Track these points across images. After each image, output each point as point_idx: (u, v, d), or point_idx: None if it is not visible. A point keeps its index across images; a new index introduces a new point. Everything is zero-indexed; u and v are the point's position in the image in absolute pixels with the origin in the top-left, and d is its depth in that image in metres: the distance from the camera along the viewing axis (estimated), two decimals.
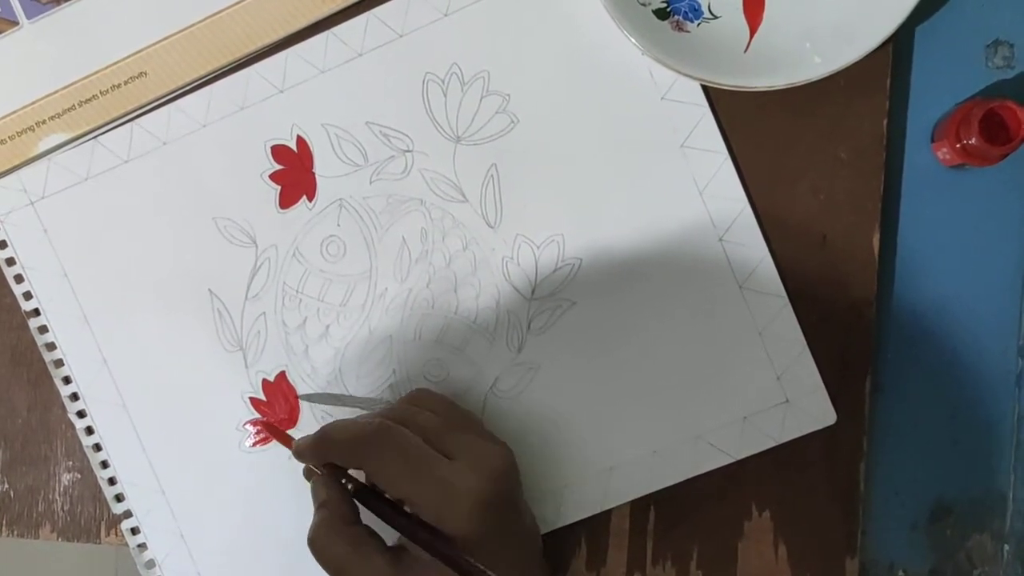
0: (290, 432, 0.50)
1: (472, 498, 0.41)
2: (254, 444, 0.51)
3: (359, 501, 0.44)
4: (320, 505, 0.44)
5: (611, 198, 0.49)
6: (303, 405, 0.50)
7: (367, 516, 0.44)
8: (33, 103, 0.50)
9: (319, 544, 0.43)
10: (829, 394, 0.49)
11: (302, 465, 0.48)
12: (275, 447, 0.50)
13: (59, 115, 0.50)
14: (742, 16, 0.47)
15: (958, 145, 0.47)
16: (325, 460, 0.45)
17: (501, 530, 0.43)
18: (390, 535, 0.44)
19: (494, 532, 0.42)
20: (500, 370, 0.50)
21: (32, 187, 0.51)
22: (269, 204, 0.50)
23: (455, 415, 0.46)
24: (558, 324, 0.49)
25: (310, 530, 0.43)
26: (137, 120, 0.50)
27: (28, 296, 0.51)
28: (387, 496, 0.44)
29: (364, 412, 0.49)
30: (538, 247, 0.49)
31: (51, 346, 0.51)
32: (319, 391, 0.50)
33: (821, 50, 0.46)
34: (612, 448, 0.49)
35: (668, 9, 0.47)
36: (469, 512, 0.41)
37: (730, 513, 0.50)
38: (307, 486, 0.49)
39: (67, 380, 0.51)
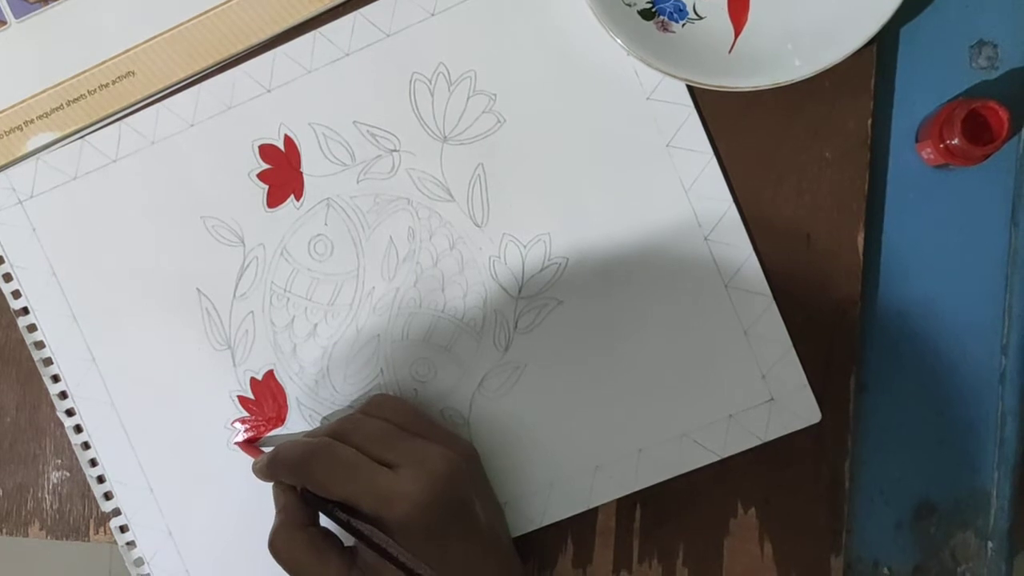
0: (278, 431, 0.50)
1: (407, 503, 0.42)
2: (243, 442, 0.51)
3: (311, 505, 0.45)
4: (279, 510, 0.46)
5: (597, 198, 0.49)
6: (291, 404, 0.51)
7: (327, 521, 0.45)
8: (21, 102, 0.50)
9: (277, 545, 0.45)
10: (814, 393, 0.49)
11: None
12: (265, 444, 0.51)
13: (47, 114, 0.50)
14: (727, 17, 0.47)
15: (942, 145, 0.47)
16: (276, 479, 0.47)
17: (448, 534, 0.43)
18: (349, 538, 0.45)
19: (438, 537, 0.43)
20: (487, 369, 0.50)
21: (20, 186, 0.51)
22: (257, 203, 0.50)
23: (411, 422, 0.47)
24: (545, 323, 0.50)
25: (270, 534, 0.45)
26: (125, 119, 0.50)
27: (17, 295, 0.51)
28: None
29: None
30: (525, 246, 0.50)
31: (40, 344, 0.51)
32: (307, 390, 0.50)
33: (805, 51, 0.46)
34: (598, 446, 0.49)
35: (653, 9, 0.48)
36: (406, 518, 0.42)
37: (716, 511, 0.50)
38: None
39: (56, 378, 0.51)
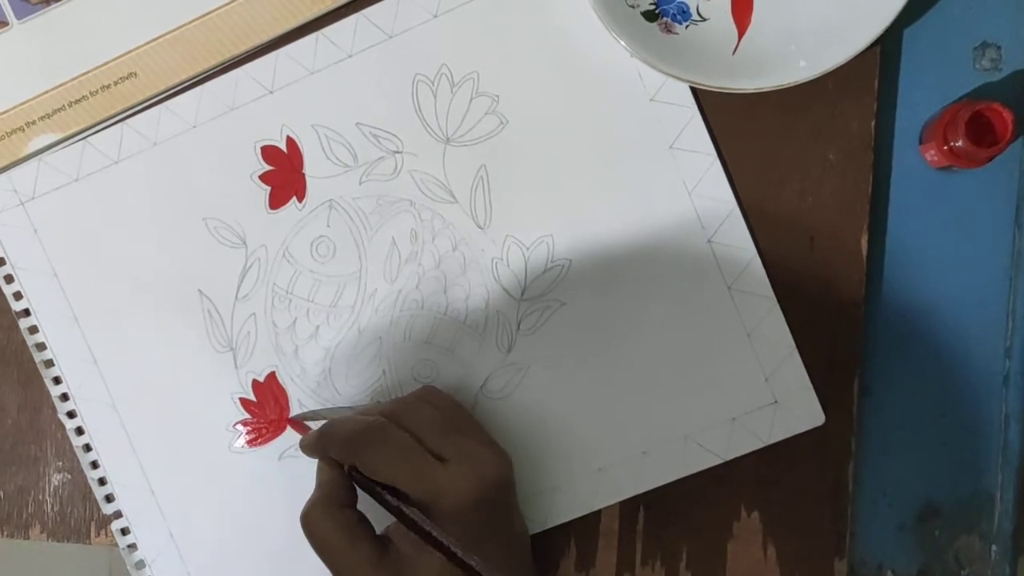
0: (284, 434, 0.50)
1: (457, 501, 0.42)
2: (245, 444, 0.51)
3: (357, 485, 0.44)
4: (319, 484, 0.45)
5: (600, 199, 0.49)
6: (293, 406, 0.50)
7: (363, 506, 0.45)
8: (23, 103, 0.50)
9: (311, 520, 0.44)
10: (817, 395, 0.49)
11: (296, 464, 0.49)
12: (265, 448, 0.50)
13: (49, 115, 0.50)
14: (730, 18, 0.47)
15: (945, 147, 0.47)
16: (325, 455, 0.46)
17: (486, 536, 0.43)
18: (380, 528, 0.44)
19: (478, 537, 0.43)
20: (490, 371, 0.50)
21: (22, 187, 0.51)
22: (259, 205, 0.50)
23: (459, 417, 0.47)
24: (548, 325, 0.49)
25: (305, 506, 0.44)
26: (127, 121, 0.50)
27: (18, 296, 0.51)
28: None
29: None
30: (528, 248, 0.49)
31: (41, 346, 0.51)
32: (309, 392, 0.50)
33: (808, 53, 0.46)
34: (601, 449, 0.49)
35: (656, 11, 0.48)
36: (453, 514, 0.42)
37: (719, 514, 0.50)
38: (297, 487, 0.50)
39: (57, 380, 0.51)
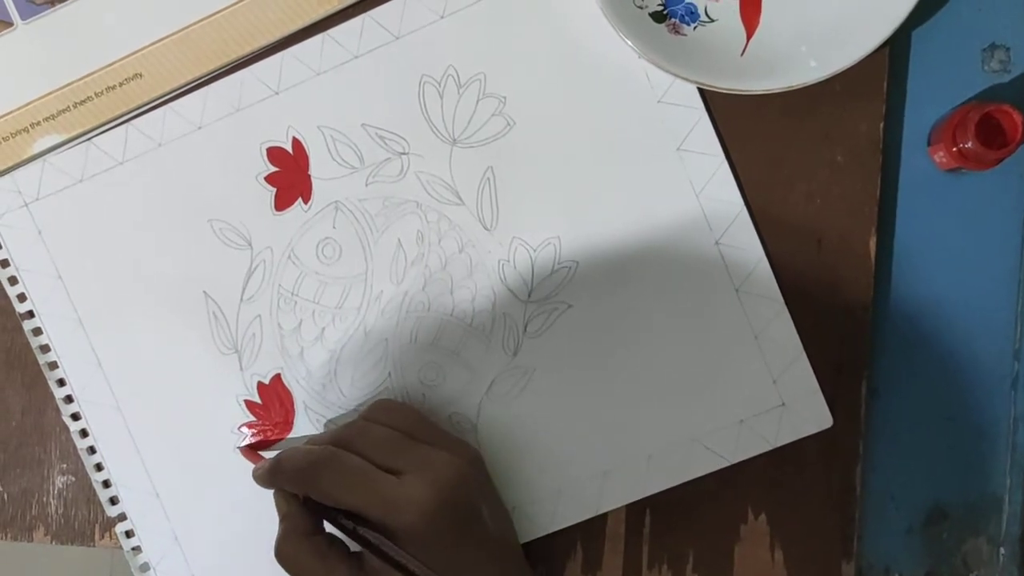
0: (288, 437, 0.50)
1: (415, 511, 0.42)
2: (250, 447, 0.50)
3: (315, 513, 0.45)
4: (282, 518, 0.45)
5: (607, 201, 0.49)
6: (299, 408, 0.50)
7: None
8: (28, 104, 0.50)
9: (283, 554, 0.44)
10: (825, 398, 0.49)
11: None
12: (270, 451, 0.50)
13: (54, 116, 0.50)
14: (739, 19, 0.47)
15: (954, 149, 0.47)
16: (278, 486, 0.46)
17: (457, 539, 0.43)
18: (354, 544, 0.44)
19: (449, 542, 0.43)
20: (496, 373, 0.49)
21: (26, 188, 0.50)
22: (264, 206, 0.50)
23: (413, 427, 0.47)
24: (554, 327, 0.49)
25: (275, 542, 0.44)
26: (132, 122, 0.50)
27: (23, 298, 0.51)
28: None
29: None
30: (534, 250, 0.49)
31: (45, 348, 0.51)
32: (314, 394, 0.50)
33: (817, 54, 0.46)
34: (608, 451, 0.49)
35: (665, 12, 0.47)
36: (414, 525, 0.42)
37: (726, 517, 0.50)
38: None
39: (61, 382, 0.51)
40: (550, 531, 0.50)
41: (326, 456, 0.44)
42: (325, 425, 0.50)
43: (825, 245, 0.49)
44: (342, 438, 0.46)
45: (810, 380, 0.49)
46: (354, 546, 0.44)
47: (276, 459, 0.46)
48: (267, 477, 0.46)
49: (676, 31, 0.47)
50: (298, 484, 0.45)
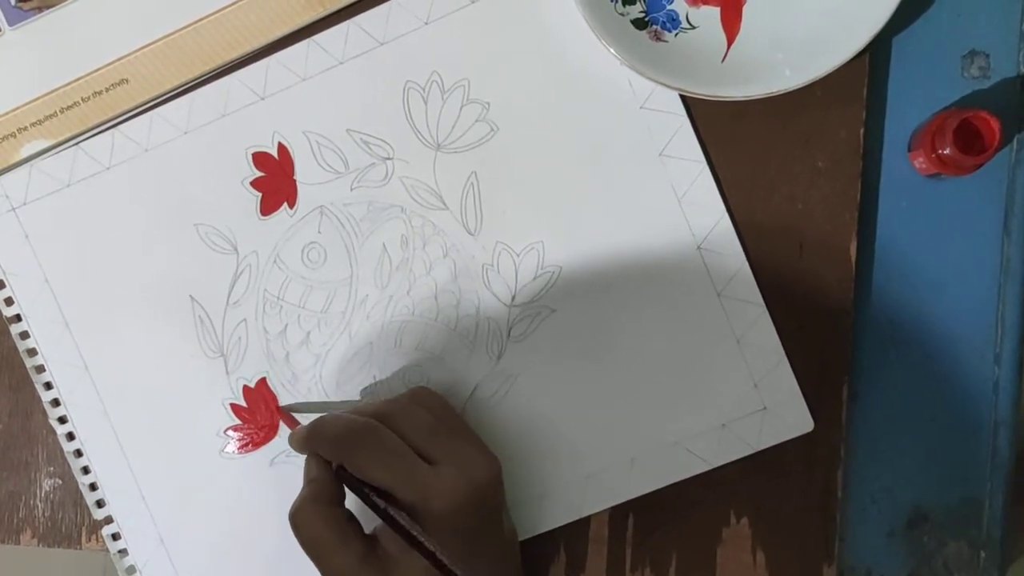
0: (274, 440, 0.50)
1: (446, 503, 0.42)
2: (235, 450, 0.51)
3: (345, 484, 0.44)
4: (308, 482, 0.45)
5: (590, 206, 0.49)
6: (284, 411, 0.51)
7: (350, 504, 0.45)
8: (15, 109, 0.50)
9: (299, 518, 0.44)
10: (806, 401, 0.49)
11: (287, 470, 0.50)
12: (256, 454, 0.50)
13: (41, 121, 0.50)
14: (720, 27, 0.48)
15: (934, 155, 0.47)
16: (313, 451, 0.46)
17: (475, 538, 0.43)
18: (369, 527, 0.44)
19: (466, 539, 0.43)
20: (480, 377, 0.50)
21: (14, 193, 0.51)
22: (250, 211, 0.50)
23: (449, 419, 0.47)
24: (538, 331, 0.50)
25: (293, 505, 0.44)
26: (119, 127, 0.50)
27: (9, 302, 0.51)
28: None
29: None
30: (518, 255, 0.50)
31: (32, 352, 0.51)
32: (300, 398, 0.50)
33: (797, 61, 0.46)
34: (591, 455, 0.49)
35: (646, 19, 0.48)
36: (442, 516, 0.42)
37: (708, 520, 0.50)
38: (287, 492, 0.50)
39: (48, 386, 0.51)
40: (534, 534, 0.50)
41: (369, 429, 0.44)
42: (360, 395, 0.50)
43: (806, 250, 0.49)
44: (384, 413, 0.45)
45: (791, 384, 0.49)
46: (368, 527, 0.44)
47: (316, 424, 0.45)
48: (303, 441, 0.46)
49: (657, 38, 0.48)
50: (335, 452, 0.44)
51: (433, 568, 0.41)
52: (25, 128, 0.50)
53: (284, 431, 0.50)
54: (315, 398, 0.50)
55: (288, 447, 0.50)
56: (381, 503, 0.43)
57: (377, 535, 0.44)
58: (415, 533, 0.41)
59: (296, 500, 0.44)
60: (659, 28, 0.48)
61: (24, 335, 0.51)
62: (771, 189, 0.49)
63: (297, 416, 0.50)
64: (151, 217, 0.50)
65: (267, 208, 0.50)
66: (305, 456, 0.46)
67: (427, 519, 0.42)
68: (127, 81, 0.50)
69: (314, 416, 0.47)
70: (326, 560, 0.43)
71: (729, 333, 0.49)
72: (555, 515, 0.50)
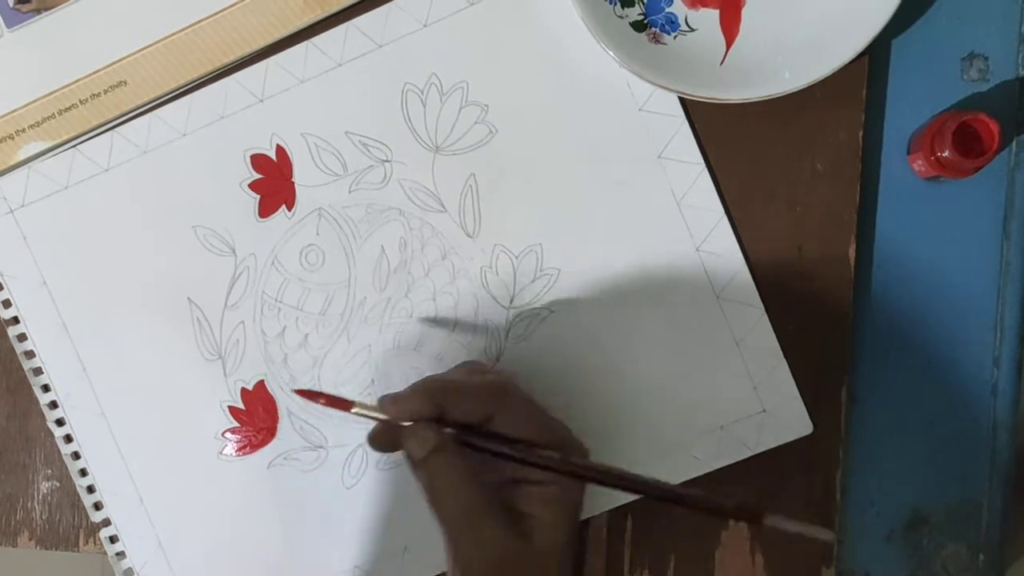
0: (272, 443, 0.50)
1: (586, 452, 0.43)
2: (233, 453, 0.50)
3: (470, 446, 0.42)
4: (433, 451, 0.41)
5: (589, 208, 0.49)
6: (282, 414, 0.50)
7: None
8: (13, 112, 0.50)
9: (438, 487, 0.41)
10: (805, 404, 0.49)
11: (285, 473, 0.50)
12: (254, 456, 0.50)
13: (39, 123, 0.50)
14: (719, 29, 0.48)
15: (933, 157, 0.47)
16: (439, 409, 0.42)
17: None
18: None
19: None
20: None
21: (12, 195, 0.51)
22: (248, 213, 0.50)
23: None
24: (536, 333, 0.50)
25: (423, 475, 0.41)
26: (117, 129, 0.50)
27: (7, 304, 0.51)
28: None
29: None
30: (516, 257, 0.50)
31: (30, 354, 0.51)
32: (298, 400, 0.50)
33: (796, 64, 0.46)
34: (590, 456, 0.49)
35: (645, 22, 0.48)
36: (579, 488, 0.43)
37: (707, 522, 0.50)
38: (285, 495, 0.50)
39: (46, 388, 0.51)
40: None
41: (509, 383, 0.44)
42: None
43: (805, 252, 0.49)
44: (507, 374, 0.46)
45: (790, 386, 0.49)
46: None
47: (443, 383, 0.44)
48: (424, 397, 0.42)
49: (656, 40, 0.48)
50: (477, 405, 0.42)
51: (575, 528, 0.42)
52: (23, 130, 0.50)
53: (283, 434, 0.50)
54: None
55: (288, 449, 0.50)
56: (524, 446, 0.41)
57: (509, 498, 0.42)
58: (574, 461, 0.41)
59: (421, 471, 0.41)
60: (658, 30, 0.48)
61: (22, 337, 0.51)
62: (770, 191, 0.49)
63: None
64: (149, 219, 0.50)
65: (265, 210, 0.50)
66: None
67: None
68: (126, 83, 0.50)
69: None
70: (476, 518, 0.41)
71: (728, 335, 0.49)
72: None
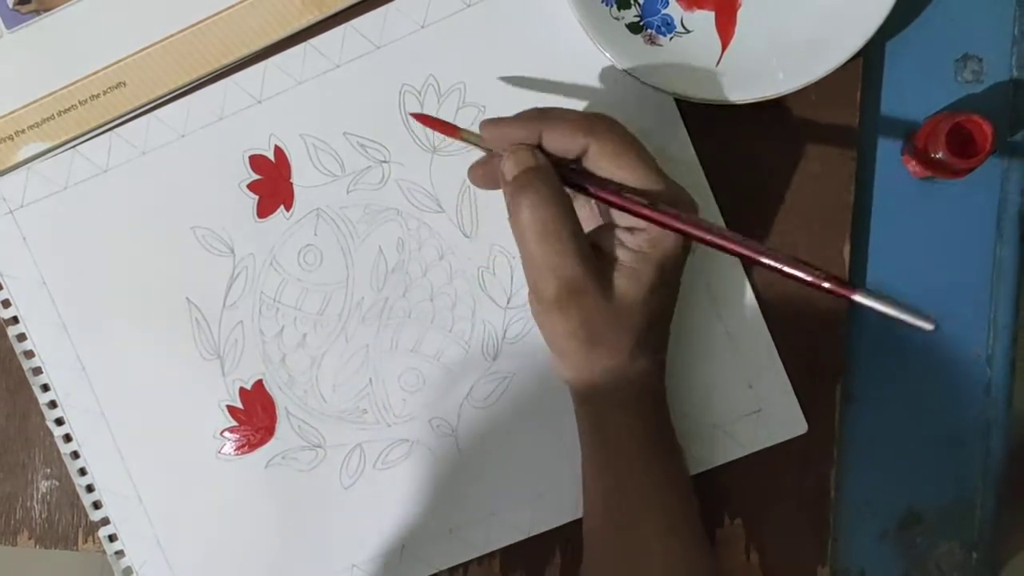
0: (270, 442, 0.50)
1: (687, 203, 0.42)
2: (232, 452, 0.51)
3: (568, 181, 0.42)
4: (528, 169, 0.41)
5: None
6: (280, 414, 0.51)
7: None
8: (12, 113, 0.50)
9: (527, 200, 0.40)
10: (800, 403, 0.49)
11: (283, 472, 0.50)
12: (252, 455, 0.51)
13: (38, 124, 0.50)
14: (714, 31, 0.48)
15: (927, 158, 0.47)
16: (535, 135, 0.42)
17: (661, 283, 0.43)
18: None
19: (657, 282, 0.42)
20: (475, 378, 0.50)
21: (11, 196, 0.51)
22: (247, 213, 0.50)
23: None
24: (533, 332, 0.49)
25: (513, 189, 0.41)
26: (116, 130, 0.50)
27: (7, 304, 0.51)
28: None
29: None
30: (513, 257, 0.50)
31: (29, 354, 0.51)
32: (296, 399, 0.51)
33: (791, 65, 0.47)
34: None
35: (641, 23, 0.48)
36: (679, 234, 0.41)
37: (703, 520, 0.50)
38: (284, 494, 0.50)
39: (45, 388, 0.51)
40: (529, 535, 0.50)
41: (610, 118, 0.42)
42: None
43: (800, 252, 0.50)
44: (604, 115, 0.43)
45: (785, 386, 0.49)
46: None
47: (540, 108, 0.43)
48: (527, 122, 0.42)
49: (652, 42, 0.48)
50: (583, 133, 0.41)
51: (661, 277, 0.41)
52: (23, 131, 0.50)
53: (281, 434, 0.51)
54: (311, 400, 0.51)
55: (286, 448, 0.50)
56: (615, 187, 0.40)
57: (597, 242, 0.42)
58: (667, 211, 0.40)
59: (513, 185, 0.41)
60: (654, 32, 0.48)
61: (21, 337, 0.51)
62: (765, 192, 0.49)
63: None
64: (148, 219, 0.51)
65: (264, 211, 0.50)
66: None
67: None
68: (124, 84, 0.50)
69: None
70: (556, 246, 0.40)
71: (723, 335, 0.49)
72: (551, 516, 0.50)
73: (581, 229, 0.41)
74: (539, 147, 0.42)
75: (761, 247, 0.41)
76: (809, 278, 0.40)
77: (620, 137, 0.42)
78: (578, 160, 0.43)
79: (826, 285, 0.39)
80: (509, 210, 0.42)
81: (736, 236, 0.41)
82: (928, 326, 0.36)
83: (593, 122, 0.42)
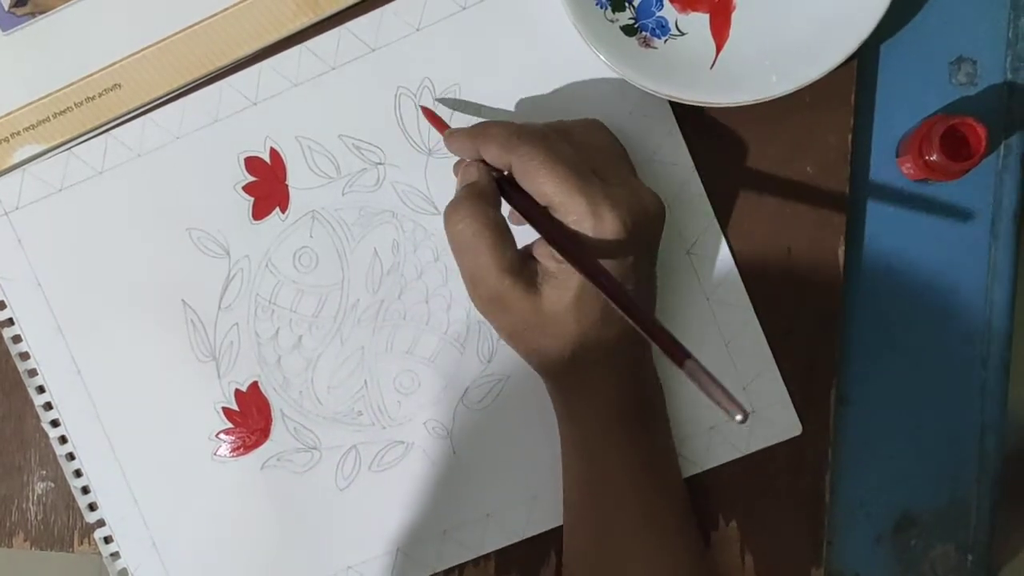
0: (266, 444, 0.51)
1: (614, 224, 0.41)
2: (227, 454, 0.51)
3: (504, 194, 0.43)
4: (468, 184, 0.43)
5: None
6: (275, 415, 0.51)
7: None
8: (7, 114, 0.50)
9: (458, 214, 0.42)
10: (795, 405, 0.49)
11: (278, 474, 0.50)
12: (248, 457, 0.51)
13: (33, 126, 0.50)
14: (708, 33, 0.48)
15: (921, 160, 0.47)
16: (476, 150, 0.44)
17: (627, 277, 0.42)
18: None
19: (621, 274, 0.42)
20: (470, 380, 0.50)
21: (6, 198, 0.51)
22: (242, 215, 0.50)
23: (621, 152, 0.46)
24: None
25: (450, 203, 0.43)
26: (111, 132, 0.51)
27: (2, 306, 0.51)
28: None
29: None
30: None
31: (25, 356, 0.51)
32: (291, 401, 0.51)
33: (785, 68, 0.47)
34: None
35: (636, 25, 0.48)
36: (605, 238, 0.41)
37: (697, 523, 0.50)
38: (279, 496, 0.50)
39: (41, 389, 0.51)
40: (524, 537, 0.50)
41: (545, 135, 0.42)
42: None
43: (795, 254, 0.50)
44: (562, 128, 0.44)
45: (780, 388, 0.49)
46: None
47: (486, 124, 0.44)
48: (470, 138, 0.44)
49: (647, 44, 0.48)
50: (505, 153, 0.42)
51: (587, 286, 0.41)
52: (18, 133, 0.50)
53: (276, 435, 0.51)
54: (307, 402, 0.51)
55: (281, 451, 0.50)
56: (542, 211, 0.41)
57: (531, 252, 0.43)
58: (578, 252, 0.40)
59: (452, 199, 0.43)
60: (648, 35, 0.48)
61: (16, 339, 0.51)
62: (760, 194, 0.50)
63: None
64: (143, 222, 0.51)
65: (259, 213, 0.50)
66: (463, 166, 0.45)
67: (589, 239, 0.41)
68: (120, 86, 0.50)
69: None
70: (478, 262, 0.42)
71: (718, 336, 0.49)
72: (546, 518, 0.50)
73: (508, 242, 0.42)
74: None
75: (646, 317, 0.39)
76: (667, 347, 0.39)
77: (536, 154, 0.41)
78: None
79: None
80: (444, 219, 0.43)
81: (611, 285, 0.39)
82: (739, 416, 0.35)
83: (514, 140, 0.42)
